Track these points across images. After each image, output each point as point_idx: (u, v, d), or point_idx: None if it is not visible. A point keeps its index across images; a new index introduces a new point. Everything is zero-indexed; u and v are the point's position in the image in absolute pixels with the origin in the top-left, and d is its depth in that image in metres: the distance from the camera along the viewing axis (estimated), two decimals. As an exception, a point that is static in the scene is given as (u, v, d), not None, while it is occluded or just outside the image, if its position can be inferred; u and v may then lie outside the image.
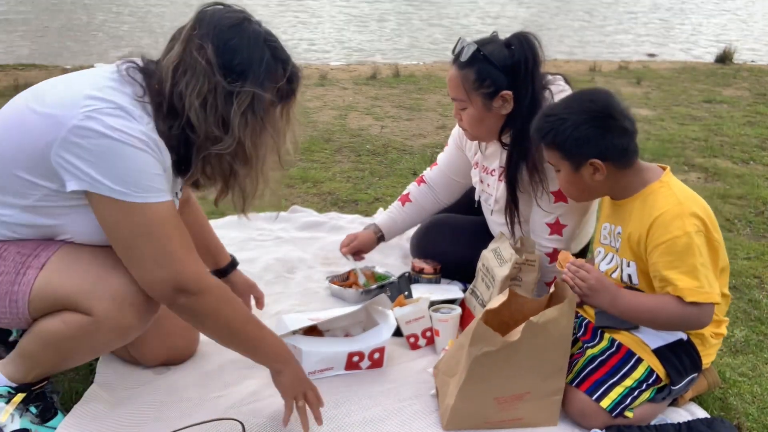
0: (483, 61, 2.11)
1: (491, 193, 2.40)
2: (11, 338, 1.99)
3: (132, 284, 1.59)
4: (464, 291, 2.46)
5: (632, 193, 1.87)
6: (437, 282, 2.57)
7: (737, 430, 1.92)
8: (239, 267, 2.25)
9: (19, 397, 1.73)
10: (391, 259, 2.89)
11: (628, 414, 1.83)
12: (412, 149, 4.51)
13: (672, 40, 11.15)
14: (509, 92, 2.13)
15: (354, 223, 3.18)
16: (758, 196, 3.81)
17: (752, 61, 8.85)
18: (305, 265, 2.81)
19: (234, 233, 3.01)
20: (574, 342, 1.97)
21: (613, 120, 1.82)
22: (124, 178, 1.49)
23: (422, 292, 2.39)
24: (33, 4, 11.57)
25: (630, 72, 7.38)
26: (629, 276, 1.88)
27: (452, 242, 2.59)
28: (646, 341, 1.86)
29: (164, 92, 1.56)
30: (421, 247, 2.68)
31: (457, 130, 2.56)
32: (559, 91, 2.21)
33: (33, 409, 1.75)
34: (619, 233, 1.90)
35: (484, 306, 2.21)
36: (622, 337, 1.89)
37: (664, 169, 1.88)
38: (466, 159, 2.56)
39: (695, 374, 1.91)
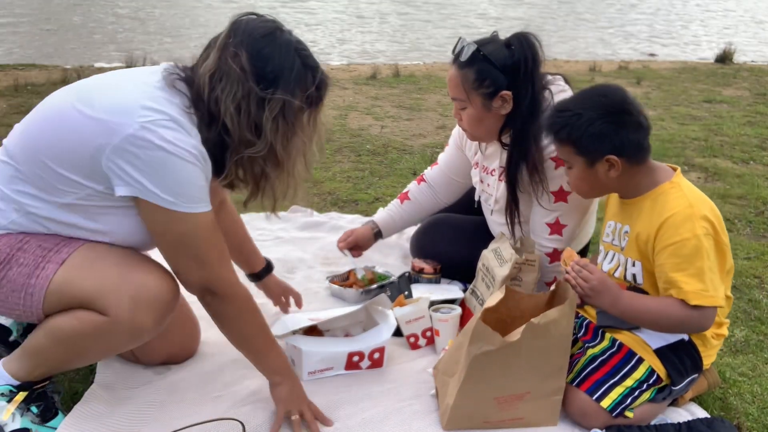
0: (483, 61, 2.11)
1: (491, 193, 2.40)
2: (11, 338, 1.99)
3: (150, 288, 1.64)
4: (464, 291, 2.46)
5: (642, 191, 1.86)
6: (437, 282, 2.57)
7: (737, 430, 1.92)
8: None
9: (21, 396, 1.73)
10: (391, 259, 2.89)
11: (629, 414, 1.83)
12: (412, 149, 4.51)
13: (672, 40, 11.15)
14: (509, 92, 2.13)
15: (354, 223, 3.18)
16: (758, 196, 3.82)
17: (752, 61, 8.86)
18: (305, 265, 2.81)
19: (234, 233, 3.00)
20: (575, 342, 1.97)
21: (629, 115, 1.81)
22: (173, 189, 1.57)
23: (422, 292, 2.39)
24: (33, 4, 11.57)
25: (630, 72, 7.38)
26: (633, 275, 1.87)
27: (452, 242, 2.59)
28: (648, 341, 1.86)
29: (203, 99, 1.63)
30: (421, 247, 2.68)
31: (457, 130, 2.56)
32: (559, 91, 2.21)
33: (34, 409, 1.75)
34: (626, 232, 1.89)
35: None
36: (624, 337, 1.89)
37: (674, 170, 1.87)
38: (466, 159, 2.56)
39: (696, 375, 1.91)
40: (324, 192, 3.68)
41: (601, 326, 1.95)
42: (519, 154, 2.19)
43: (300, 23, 10.85)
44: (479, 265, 2.31)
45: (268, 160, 1.68)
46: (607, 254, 1.97)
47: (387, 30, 10.88)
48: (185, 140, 1.57)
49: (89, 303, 1.61)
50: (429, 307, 2.22)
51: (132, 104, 1.56)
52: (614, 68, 7.67)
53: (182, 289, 1.76)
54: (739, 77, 7.45)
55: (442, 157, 2.66)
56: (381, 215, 2.69)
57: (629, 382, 1.83)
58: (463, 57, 2.13)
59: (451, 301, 2.37)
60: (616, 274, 1.92)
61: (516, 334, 1.72)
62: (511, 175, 2.23)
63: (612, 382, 1.83)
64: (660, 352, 1.85)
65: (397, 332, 2.17)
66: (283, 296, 2.33)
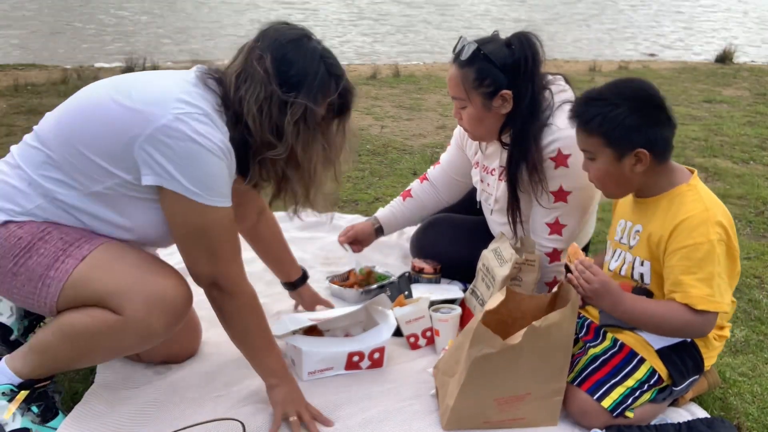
0: (483, 60, 2.11)
1: (491, 192, 2.41)
2: (12, 337, 1.99)
3: (166, 292, 1.67)
4: (464, 291, 2.46)
5: (659, 191, 1.84)
6: (437, 282, 2.57)
7: (737, 430, 1.92)
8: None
9: (23, 395, 1.73)
10: (391, 259, 2.89)
11: (629, 414, 1.83)
12: (412, 149, 4.51)
13: (672, 40, 11.15)
14: (509, 91, 2.13)
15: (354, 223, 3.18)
16: (758, 196, 3.82)
17: (752, 61, 8.85)
18: (305, 265, 2.79)
19: (234, 233, 3.00)
20: (576, 341, 1.97)
21: (662, 110, 1.79)
22: (199, 181, 1.60)
23: (422, 292, 2.39)
24: (33, 4, 11.57)
25: (630, 72, 7.37)
26: (641, 275, 1.86)
27: (452, 242, 2.59)
28: (650, 341, 1.86)
29: (230, 98, 1.67)
30: (421, 246, 2.68)
31: (459, 130, 2.57)
32: (559, 90, 2.21)
33: (35, 409, 1.76)
34: (637, 231, 1.88)
35: (484, 306, 2.21)
36: (626, 337, 1.89)
37: (692, 172, 1.85)
38: (467, 159, 2.56)
39: (697, 376, 1.91)
40: (323, 192, 3.68)
41: (603, 325, 1.95)
42: (519, 154, 2.18)
43: (302, 24, 10.86)
44: (479, 265, 2.31)
45: (289, 163, 1.71)
46: (615, 252, 1.95)
47: (387, 30, 10.88)
48: (215, 135, 1.62)
49: (104, 301, 1.63)
50: (429, 307, 2.22)
51: (168, 97, 1.61)
52: (614, 68, 7.67)
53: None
54: (739, 77, 7.44)
55: (443, 157, 2.67)
56: (383, 212, 2.69)
57: (630, 383, 1.83)
58: (464, 56, 2.13)
59: (451, 301, 2.37)
60: (623, 273, 1.90)
61: (517, 337, 1.72)
62: (511, 175, 2.23)
63: (613, 382, 1.83)
64: (662, 353, 1.85)
65: (397, 332, 2.17)
66: (316, 306, 2.34)
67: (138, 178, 1.62)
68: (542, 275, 2.26)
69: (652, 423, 1.88)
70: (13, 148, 1.76)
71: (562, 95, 2.21)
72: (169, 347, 2.03)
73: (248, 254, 2.77)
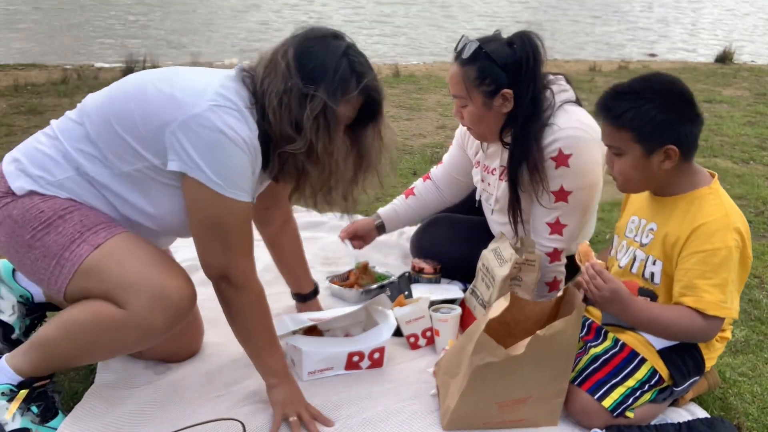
0: (485, 59, 2.11)
1: (492, 192, 2.41)
2: (14, 335, 2.00)
3: (171, 291, 1.67)
4: (464, 291, 2.46)
5: (679, 191, 1.82)
6: (437, 282, 2.57)
7: (737, 430, 1.92)
8: None
9: (23, 394, 1.74)
10: (391, 259, 2.89)
11: (629, 414, 1.83)
12: (412, 149, 4.51)
13: (672, 40, 11.15)
14: (510, 91, 2.13)
15: (354, 223, 3.18)
16: (758, 196, 3.82)
17: (752, 61, 8.85)
18: (305, 264, 2.81)
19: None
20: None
21: (692, 106, 1.76)
22: (222, 172, 1.63)
23: (422, 292, 2.39)
24: (33, 4, 11.57)
25: (630, 72, 7.36)
26: (652, 274, 1.84)
27: (452, 242, 2.59)
28: (651, 341, 1.86)
29: (257, 93, 1.70)
30: (421, 246, 2.68)
31: (460, 130, 2.57)
32: (560, 90, 2.21)
33: (34, 409, 1.76)
34: (651, 229, 1.86)
35: (485, 306, 2.21)
36: (627, 337, 1.89)
37: (712, 176, 1.83)
38: (469, 158, 2.56)
39: (698, 377, 1.91)
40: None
41: (606, 324, 1.95)
42: (520, 153, 2.18)
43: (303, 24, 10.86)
44: (479, 265, 2.31)
45: (309, 159, 1.70)
46: (625, 249, 1.93)
47: (387, 30, 10.88)
48: (244, 130, 1.64)
49: (110, 292, 1.65)
50: (429, 307, 2.22)
51: (206, 88, 1.65)
52: (614, 68, 7.67)
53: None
54: (739, 77, 7.44)
55: (446, 157, 2.67)
56: (385, 209, 2.70)
57: (631, 383, 1.83)
58: (465, 54, 2.13)
59: (451, 301, 2.36)
60: (634, 270, 1.89)
61: (520, 347, 1.70)
62: (512, 174, 2.23)
63: (614, 382, 1.83)
64: (663, 353, 1.85)
65: (397, 332, 2.17)
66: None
67: (165, 163, 1.65)
68: (542, 275, 2.26)
69: (653, 423, 1.88)
70: (53, 121, 1.81)
71: (563, 95, 2.21)
72: (171, 344, 2.03)
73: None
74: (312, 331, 2.15)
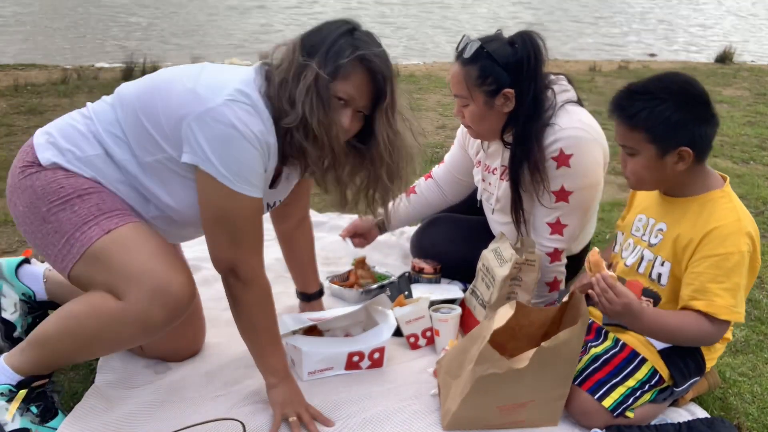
0: (486, 59, 2.11)
1: (492, 192, 2.41)
2: (15, 333, 2.00)
3: (172, 285, 1.66)
4: (464, 291, 2.46)
5: (691, 193, 1.80)
6: (437, 282, 2.57)
7: (737, 430, 1.92)
8: None
9: (22, 394, 1.74)
10: (391, 259, 2.89)
11: (629, 414, 1.83)
12: (412, 149, 4.50)
13: (672, 40, 11.15)
14: (511, 90, 2.13)
15: (354, 223, 3.17)
16: (758, 196, 3.82)
17: (752, 61, 8.85)
18: (305, 264, 2.81)
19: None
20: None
21: (707, 107, 1.74)
22: (232, 166, 1.64)
23: (422, 292, 2.39)
24: (34, 4, 11.57)
25: (630, 72, 7.37)
26: (659, 275, 1.83)
27: (452, 242, 2.59)
28: (652, 342, 1.85)
29: (271, 80, 1.70)
30: (421, 246, 2.68)
31: (461, 129, 2.57)
32: (561, 90, 2.21)
33: (34, 409, 1.75)
34: (660, 230, 1.84)
35: (485, 306, 2.21)
36: (628, 337, 1.88)
37: (724, 179, 1.82)
38: (470, 158, 2.56)
39: (698, 377, 1.91)
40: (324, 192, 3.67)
41: (606, 325, 1.95)
42: (521, 153, 2.18)
43: (305, 26, 10.87)
44: (479, 265, 2.31)
45: (307, 136, 1.68)
46: (634, 248, 1.92)
47: (387, 30, 10.88)
48: (256, 125, 1.65)
49: (112, 281, 1.66)
50: (429, 307, 2.21)
51: (227, 84, 1.67)
52: (614, 68, 7.66)
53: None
54: (739, 77, 7.44)
55: (447, 156, 2.67)
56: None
57: (631, 383, 1.83)
58: (467, 54, 2.13)
59: (451, 301, 2.36)
60: (640, 270, 1.88)
61: (524, 360, 1.70)
62: (513, 174, 2.23)
63: (614, 382, 1.83)
64: (664, 353, 1.85)
65: (397, 332, 2.17)
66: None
67: (180, 155, 1.68)
68: (543, 275, 2.26)
69: (653, 423, 1.88)
70: (89, 103, 1.85)
71: (564, 95, 2.20)
72: (174, 343, 2.04)
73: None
74: (312, 331, 2.15)
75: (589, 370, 1.86)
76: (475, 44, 2.12)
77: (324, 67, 1.65)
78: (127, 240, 1.70)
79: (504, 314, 1.75)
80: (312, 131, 1.67)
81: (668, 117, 1.70)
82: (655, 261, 1.84)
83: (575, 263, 2.48)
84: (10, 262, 2.12)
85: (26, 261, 2.16)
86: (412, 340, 2.22)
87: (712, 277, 1.71)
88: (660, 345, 1.85)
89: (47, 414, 1.78)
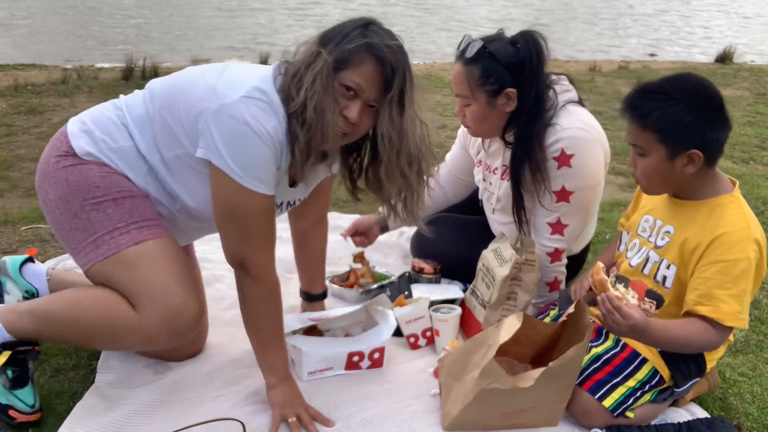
0: (488, 58, 2.11)
1: (493, 191, 2.40)
2: None
3: (183, 311, 1.72)
4: (464, 291, 2.46)
5: (701, 196, 1.78)
6: (437, 282, 2.57)
7: (737, 430, 1.92)
8: None
9: (5, 355, 1.77)
10: (391, 259, 2.89)
11: (630, 414, 1.83)
12: (412, 149, 4.50)
13: (672, 40, 11.14)
14: (513, 90, 2.13)
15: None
16: (758, 196, 3.82)
17: (752, 61, 8.85)
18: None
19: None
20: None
21: (722, 112, 1.71)
22: (243, 162, 1.65)
23: (422, 292, 2.39)
24: (34, 4, 11.57)
25: (630, 72, 7.37)
26: (664, 278, 1.82)
27: (452, 242, 2.59)
28: (653, 342, 1.85)
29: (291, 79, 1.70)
30: (421, 246, 2.68)
31: (462, 129, 2.56)
32: (563, 90, 2.21)
33: (9, 373, 1.79)
34: (667, 232, 1.83)
35: (485, 306, 2.21)
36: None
37: (734, 183, 1.81)
38: (471, 158, 2.56)
39: (699, 378, 1.90)
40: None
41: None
42: (522, 153, 2.18)
43: (307, 27, 10.85)
44: (479, 265, 2.31)
45: (303, 123, 1.66)
46: (640, 249, 1.91)
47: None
48: (270, 123, 1.65)
49: (132, 292, 1.71)
50: (429, 307, 2.21)
51: (246, 81, 1.68)
52: (614, 68, 7.66)
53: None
54: (739, 77, 7.43)
55: (448, 156, 2.67)
56: None
57: (632, 383, 1.83)
58: (469, 54, 2.13)
59: (451, 301, 2.36)
60: (645, 271, 1.87)
61: (530, 380, 1.69)
62: (514, 174, 2.23)
63: (614, 382, 1.83)
64: (665, 354, 1.84)
65: (397, 332, 2.17)
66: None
67: (197, 151, 1.70)
68: (543, 275, 2.26)
69: (653, 423, 1.88)
70: (123, 96, 1.90)
71: (565, 95, 2.20)
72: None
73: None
74: (312, 331, 2.15)
75: (589, 370, 1.86)
76: (477, 44, 2.12)
77: (332, 54, 1.65)
78: (153, 255, 1.74)
79: (511, 327, 1.73)
80: (307, 118, 1.65)
81: (680, 118, 1.68)
82: (660, 263, 1.83)
83: (575, 263, 2.48)
84: (14, 260, 2.17)
85: (30, 260, 2.20)
86: (412, 340, 2.22)
87: (719, 283, 1.70)
88: (661, 346, 1.85)
89: (18, 382, 1.80)
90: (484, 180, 2.47)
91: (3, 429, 1.78)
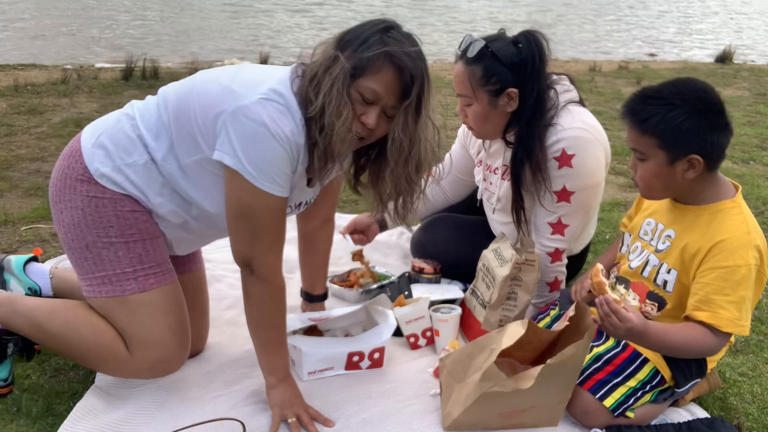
0: (490, 58, 2.11)
1: (493, 191, 2.40)
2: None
3: (173, 362, 1.87)
4: (464, 291, 2.46)
5: (702, 201, 1.77)
6: (437, 282, 2.57)
7: (737, 430, 1.92)
8: None
9: None
10: (391, 259, 2.89)
11: (630, 414, 1.83)
12: (412, 149, 4.50)
13: (672, 40, 11.15)
14: (515, 90, 2.13)
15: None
16: (758, 196, 3.81)
17: (752, 61, 8.85)
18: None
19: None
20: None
21: (722, 117, 1.70)
22: (258, 164, 1.65)
23: (422, 292, 2.39)
24: (34, 4, 11.57)
25: (630, 72, 7.37)
26: (665, 282, 1.82)
27: (452, 242, 2.59)
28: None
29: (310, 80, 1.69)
30: (421, 246, 2.68)
31: (463, 129, 2.56)
32: (564, 90, 2.21)
33: None
34: (668, 236, 1.83)
35: (485, 306, 2.21)
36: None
37: (736, 188, 1.80)
38: (471, 158, 2.56)
39: (699, 378, 1.90)
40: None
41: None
42: (523, 153, 2.18)
43: (308, 27, 10.85)
44: (479, 265, 2.31)
45: (322, 129, 1.66)
46: (641, 252, 1.90)
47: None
48: (289, 126, 1.66)
49: (129, 336, 1.81)
50: (429, 307, 2.21)
51: (262, 82, 1.69)
52: (614, 68, 7.66)
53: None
54: (739, 77, 7.44)
55: (447, 157, 2.67)
56: None
57: (632, 383, 1.83)
58: (471, 53, 2.13)
59: (451, 301, 2.36)
60: (644, 274, 1.86)
61: (529, 379, 1.69)
62: (515, 174, 2.23)
63: (615, 381, 1.83)
64: (666, 355, 1.84)
65: (397, 332, 2.17)
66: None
67: (214, 153, 1.70)
68: (543, 275, 2.26)
69: (653, 423, 1.88)
70: (135, 103, 1.88)
71: (566, 95, 2.20)
72: None
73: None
74: (312, 331, 2.15)
75: (590, 370, 1.86)
76: (479, 44, 2.12)
77: (351, 60, 1.63)
78: (155, 305, 1.81)
79: (514, 333, 1.72)
80: (324, 124, 1.65)
81: (680, 123, 1.67)
82: (660, 267, 1.83)
83: (576, 263, 2.48)
84: (19, 258, 2.21)
85: (35, 259, 2.25)
86: (412, 340, 2.22)
87: (718, 289, 1.70)
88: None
89: None
90: (484, 180, 2.47)
91: None
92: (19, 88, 5.32)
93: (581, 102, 2.25)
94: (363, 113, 1.68)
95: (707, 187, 1.77)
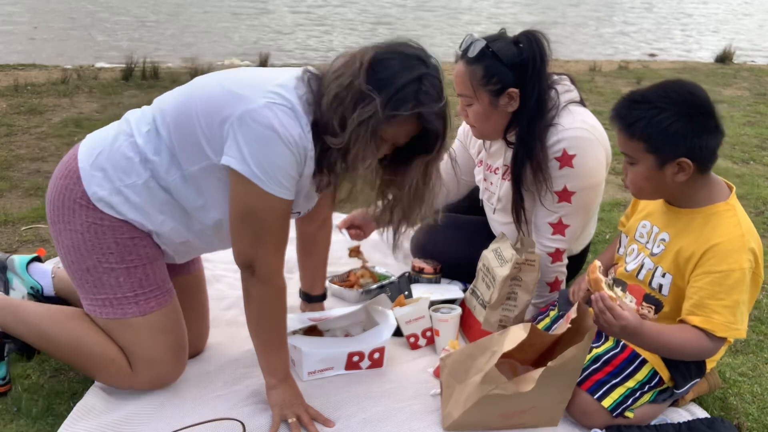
0: (491, 58, 2.11)
1: (494, 191, 2.40)
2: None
3: (170, 380, 1.92)
4: (464, 291, 2.45)
5: (696, 204, 1.76)
6: (437, 282, 2.57)
7: (737, 430, 1.92)
8: None
9: None
10: (391, 259, 2.88)
11: (629, 414, 1.83)
12: (412, 149, 4.50)
13: (672, 40, 11.15)
14: (516, 90, 2.13)
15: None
16: (758, 196, 3.81)
17: (752, 61, 8.85)
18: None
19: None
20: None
21: (712, 119, 1.68)
22: (265, 166, 1.65)
23: (422, 292, 2.39)
24: (34, 4, 11.57)
25: (630, 72, 7.37)
26: (660, 285, 1.81)
27: (452, 242, 2.59)
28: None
29: (322, 87, 1.69)
30: (421, 246, 2.68)
31: (463, 128, 2.56)
32: (564, 90, 2.21)
33: None
34: (663, 240, 1.82)
35: (485, 306, 2.21)
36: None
37: (730, 189, 1.79)
38: (471, 157, 2.56)
39: (698, 379, 1.90)
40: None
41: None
42: (524, 153, 2.17)
43: (309, 28, 10.85)
44: (479, 265, 2.31)
45: (343, 160, 1.70)
46: (637, 255, 1.90)
47: (387, 31, 10.88)
48: (296, 129, 1.66)
49: (132, 355, 1.85)
50: (429, 307, 2.21)
51: (266, 85, 1.69)
52: (614, 68, 7.66)
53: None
54: (739, 77, 7.43)
55: (446, 156, 2.66)
56: None
57: (631, 383, 1.83)
58: (471, 53, 2.12)
59: (451, 301, 2.36)
60: (640, 277, 1.86)
61: (530, 382, 1.69)
62: (515, 174, 2.22)
63: (614, 382, 1.83)
64: (663, 356, 1.84)
65: (397, 332, 2.17)
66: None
67: (221, 159, 1.69)
68: (544, 275, 2.26)
69: (652, 423, 1.88)
70: (131, 116, 1.86)
71: (567, 95, 2.20)
72: None
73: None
74: (312, 331, 2.15)
75: (589, 371, 1.86)
76: (480, 43, 2.12)
77: (384, 109, 1.63)
78: (155, 327, 1.84)
79: (516, 337, 1.72)
80: (348, 160, 1.69)
81: (666, 127, 1.66)
82: (655, 271, 1.82)
83: (576, 263, 2.48)
84: (22, 258, 2.23)
85: (38, 259, 2.26)
86: (412, 340, 2.22)
87: (711, 294, 1.69)
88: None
89: None
90: (484, 180, 2.46)
91: None
92: (19, 88, 5.32)
93: (582, 102, 2.25)
94: (381, 149, 1.73)
95: (699, 190, 1.76)
